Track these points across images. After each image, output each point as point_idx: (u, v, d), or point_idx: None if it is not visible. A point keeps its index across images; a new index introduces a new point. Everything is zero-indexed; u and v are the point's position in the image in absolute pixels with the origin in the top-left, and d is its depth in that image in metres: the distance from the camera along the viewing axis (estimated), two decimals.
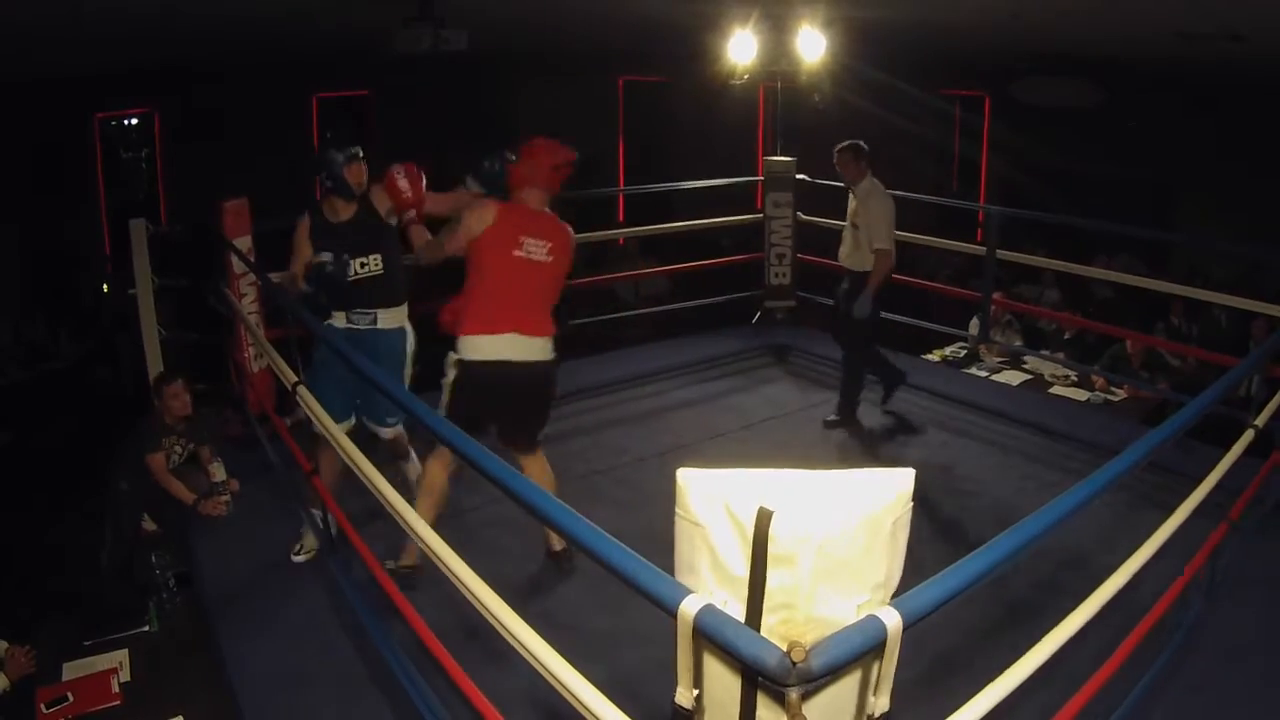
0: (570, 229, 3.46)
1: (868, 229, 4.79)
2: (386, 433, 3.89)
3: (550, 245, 3.35)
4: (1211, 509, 2.81)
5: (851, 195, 4.97)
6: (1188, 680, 2.88)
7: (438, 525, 2.68)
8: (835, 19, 5.87)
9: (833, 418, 5.18)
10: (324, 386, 3.44)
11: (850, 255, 4.97)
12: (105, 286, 8.71)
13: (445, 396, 3.34)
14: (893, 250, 4.78)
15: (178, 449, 4.22)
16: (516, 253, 3.30)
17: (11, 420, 6.80)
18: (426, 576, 2.90)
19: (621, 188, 11.33)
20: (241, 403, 4.94)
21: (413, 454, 4.02)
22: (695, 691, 1.42)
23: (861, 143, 4.91)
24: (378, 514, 2.75)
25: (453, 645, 2.46)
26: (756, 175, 6.90)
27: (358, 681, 2.97)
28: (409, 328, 3.81)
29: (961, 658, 3.02)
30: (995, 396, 5.66)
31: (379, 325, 3.71)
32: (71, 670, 3.27)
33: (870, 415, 5.33)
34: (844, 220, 6.47)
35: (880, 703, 1.44)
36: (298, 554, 3.78)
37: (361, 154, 3.67)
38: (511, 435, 3.55)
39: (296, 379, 3.30)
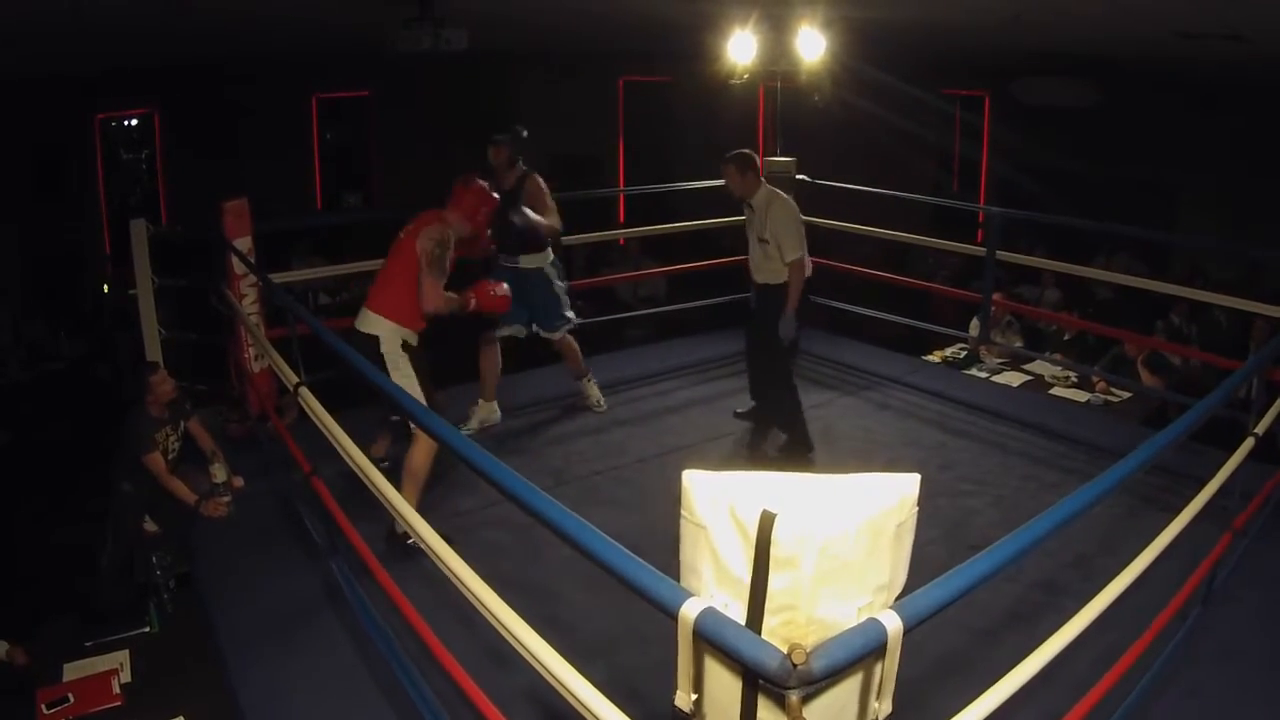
0: (439, 220, 3.86)
1: (776, 241, 4.43)
2: (555, 336, 4.93)
3: (410, 228, 3.84)
4: (1212, 512, 2.80)
5: (748, 208, 4.60)
6: (1187, 684, 2.88)
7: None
8: (835, 19, 5.86)
9: (777, 452, 4.78)
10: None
11: (759, 268, 4.63)
12: (105, 286, 8.72)
13: None
14: (805, 256, 4.47)
15: (172, 439, 4.23)
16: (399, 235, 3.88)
17: (12, 420, 6.80)
18: (426, 576, 2.90)
19: (621, 188, 11.33)
20: (242, 403, 4.95)
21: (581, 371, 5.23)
22: (695, 695, 1.42)
23: (747, 151, 4.51)
24: (380, 515, 2.75)
25: (453, 645, 2.46)
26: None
27: (358, 681, 2.97)
28: (548, 262, 4.83)
29: (963, 660, 3.02)
30: (995, 397, 5.66)
31: (520, 265, 4.75)
32: (72, 671, 3.28)
33: (870, 415, 5.33)
34: (843, 221, 6.52)
35: (882, 706, 1.44)
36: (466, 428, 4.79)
37: (500, 139, 4.60)
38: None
39: (298, 379, 3.31)
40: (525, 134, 4.71)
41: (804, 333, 6.55)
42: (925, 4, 6.06)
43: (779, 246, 4.44)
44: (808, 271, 4.56)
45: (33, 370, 7.66)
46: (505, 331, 4.85)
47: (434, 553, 2.20)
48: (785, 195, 4.57)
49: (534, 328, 4.91)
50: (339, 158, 10.75)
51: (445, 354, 4.57)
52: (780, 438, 4.82)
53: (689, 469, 1.54)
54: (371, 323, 3.76)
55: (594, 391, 5.25)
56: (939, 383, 5.78)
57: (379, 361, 3.67)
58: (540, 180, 4.71)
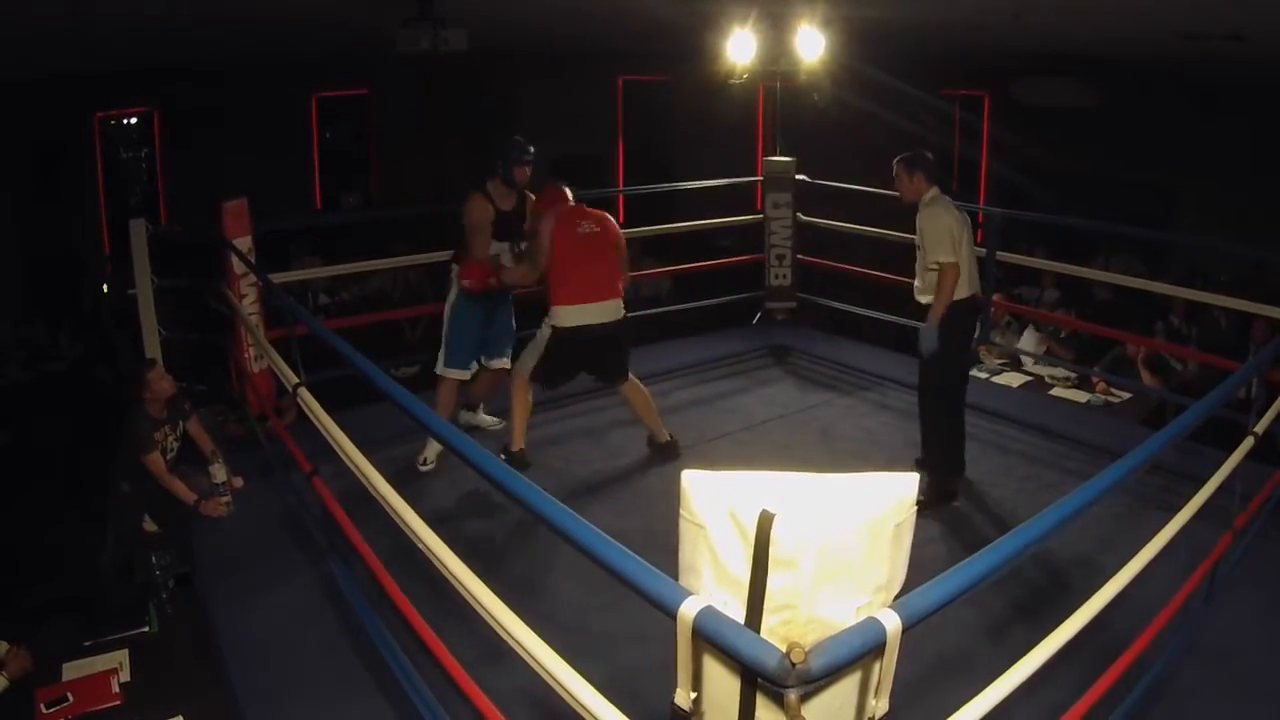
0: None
1: (923, 244, 4.10)
2: (498, 364, 4.73)
3: (596, 229, 4.27)
4: (1211, 512, 2.81)
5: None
6: (1187, 683, 2.88)
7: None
8: (834, 18, 5.87)
9: (920, 499, 4.44)
10: (457, 342, 4.56)
11: (920, 283, 4.22)
12: (105, 287, 8.72)
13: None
14: (957, 264, 3.99)
15: (171, 439, 4.23)
16: (578, 231, 4.24)
17: (11, 420, 6.81)
18: (426, 576, 2.90)
19: (621, 188, 11.34)
20: (241, 403, 4.95)
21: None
22: (694, 694, 1.42)
23: (920, 153, 4.19)
24: (380, 515, 2.75)
25: (452, 644, 2.46)
26: (756, 175, 6.91)
27: (358, 681, 2.97)
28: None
29: (961, 659, 3.02)
30: (995, 398, 5.65)
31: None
32: (71, 670, 3.27)
33: (869, 415, 5.33)
34: (844, 221, 6.53)
35: (880, 705, 1.44)
36: (424, 465, 4.51)
37: (529, 158, 4.39)
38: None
39: (297, 380, 3.31)
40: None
41: (808, 334, 6.63)
42: (925, 4, 6.07)
43: (926, 249, 4.08)
44: (966, 289, 4.08)
45: (33, 370, 7.65)
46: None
47: (433, 553, 2.20)
48: (949, 204, 4.14)
49: (480, 359, 4.70)
50: (338, 157, 10.75)
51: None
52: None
53: (688, 469, 1.54)
54: (620, 308, 4.33)
55: (483, 420, 5.02)
56: None
57: (630, 332, 4.47)
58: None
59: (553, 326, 4.27)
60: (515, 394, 4.41)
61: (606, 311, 4.27)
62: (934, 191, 4.17)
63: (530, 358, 4.36)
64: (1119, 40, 6.78)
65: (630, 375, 4.55)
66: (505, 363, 4.73)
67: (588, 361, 4.48)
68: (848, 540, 1.38)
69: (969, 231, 4.18)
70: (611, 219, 4.39)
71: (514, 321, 4.82)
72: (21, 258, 8.47)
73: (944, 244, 4.01)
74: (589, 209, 4.37)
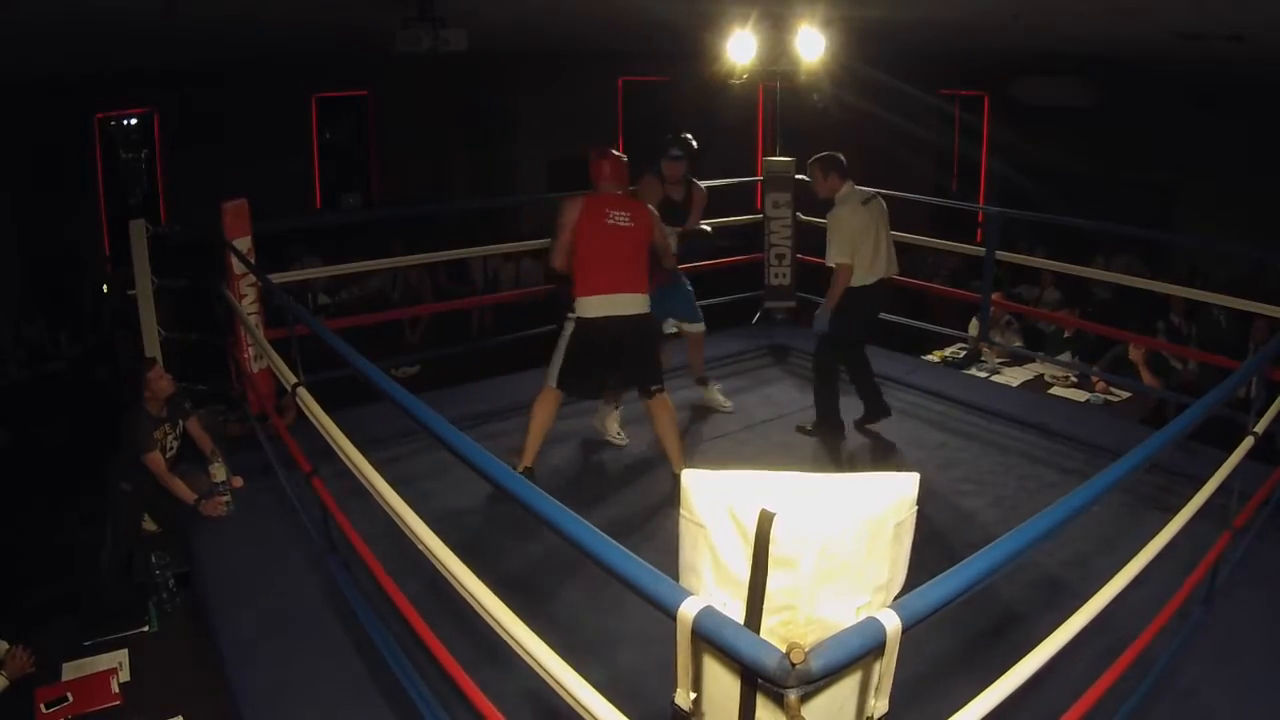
0: (644, 204, 4.30)
1: (827, 242, 4.56)
2: (692, 329, 5.23)
3: (625, 218, 4.11)
4: (1211, 512, 2.81)
5: None
6: (1187, 683, 2.88)
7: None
8: (835, 19, 5.87)
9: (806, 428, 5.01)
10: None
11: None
12: (105, 287, 8.72)
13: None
14: (849, 265, 4.48)
15: (170, 437, 4.23)
16: (606, 222, 4.07)
17: (11, 420, 6.81)
18: (425, 576, 2.90)
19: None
20: (242, 403, 4.95)
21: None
22: (694, 694, 1.42)
23: (832, 154, 4.64)
24: (379, 515, 2.75)
25: (453, 645, 2.46)
26: (756, 175, 6.91)
27: (358, 681, 2.97)
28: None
29: (961, 659, 3.02)
30: (995, 397, 5.66)
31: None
32: (71, 670, 3.28)
33: None
34: None
35: (879, 705, 1.44)
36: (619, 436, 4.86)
37: (677, 154, 4.87)
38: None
39: (296, 380, 3.30)
40: (695, 144, 4.91)
41: (807, 333, 6.59)
42: (925, 4, 6.07)
43: (827, 248, 4.55)
44: (863, 279, 4.52)
45: (33, 370, 7.66)
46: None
47: (433, 553, 2.20)
48: (858, 204, 4.56)
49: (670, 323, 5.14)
50: (338, 157, 10.76)
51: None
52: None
53: (688, 468, 1.54)
54: (645, 303, 4.17)
55: (715, 395, 5.39)
56: (939, 383, 5.78)
57: (656, 331, 4.40)
58: (703, 189, 5.09)
59: (576, 319, 4.07)
60: (538, 407, 4.17)
61: (631, 304, 4.09)
62: (847, 188, 4.61)
63: (557, 363, 4.16)
64: (1119, 40, 6.78)
65: (665, 392, 4.27)
66: (699, 326, 5.24)
67: (610, 359, 4.21)
68: (848, 540, 1.38)
69: (884, 221, 4.64)
70: (650, 210, 4.25)
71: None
72: (21, 257, 8.48)
73: (841, 247, 4.50)
74: (628, 199, 4.23)
